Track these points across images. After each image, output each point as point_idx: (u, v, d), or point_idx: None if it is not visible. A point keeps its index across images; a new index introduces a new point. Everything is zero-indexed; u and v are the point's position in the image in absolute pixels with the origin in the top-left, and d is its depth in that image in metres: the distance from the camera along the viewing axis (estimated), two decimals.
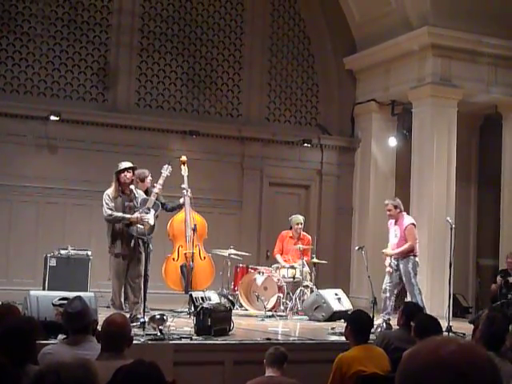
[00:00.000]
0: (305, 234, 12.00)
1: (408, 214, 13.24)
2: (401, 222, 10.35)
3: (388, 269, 10.32)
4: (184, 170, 10.91)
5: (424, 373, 1.57)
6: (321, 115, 14.94)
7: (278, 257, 11.90)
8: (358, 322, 5.65)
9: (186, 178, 10.84)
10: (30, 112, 12.54)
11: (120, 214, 8.80)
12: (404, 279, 10.12)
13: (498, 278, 12.11)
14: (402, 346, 5.45)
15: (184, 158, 11.08)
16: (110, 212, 8.83)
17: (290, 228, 11.93)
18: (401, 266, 10.13)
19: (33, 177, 12.49)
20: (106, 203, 8.88)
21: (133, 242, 8.81)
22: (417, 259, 10.25)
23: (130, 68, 13.55)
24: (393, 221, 10.43)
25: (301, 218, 11.89)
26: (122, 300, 8.98)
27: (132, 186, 8.92)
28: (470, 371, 1.55)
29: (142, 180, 10.27)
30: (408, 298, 10.17)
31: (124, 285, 8.94)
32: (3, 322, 4.41)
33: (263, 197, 14.30)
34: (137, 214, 8.76)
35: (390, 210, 10.38)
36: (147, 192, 10.47)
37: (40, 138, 12.68)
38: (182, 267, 10.67)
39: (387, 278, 10.23)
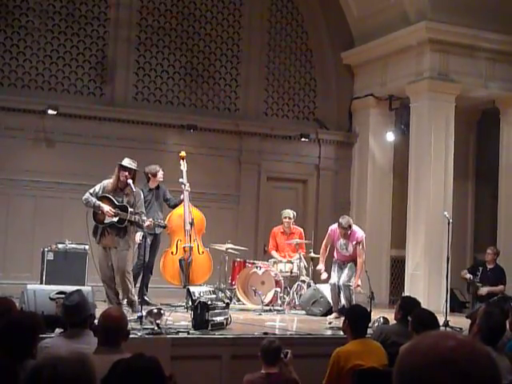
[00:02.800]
0: (295, 227, 11.98)
1: (406, 208, 13.32)
2: (353, 234, 10.02)
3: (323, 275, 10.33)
4: (183, 165, 10.99)
5: (423, 369, 1.55)
6: (318, 110, 14.92)
7: (274, 253, 11.88)
8: (356, 317, 5.66)
9: (184, 173, 10.93)
10: (27, 106, 12.50)
11: (94, 200, 8.78)
12: (343, 280, 10.00)
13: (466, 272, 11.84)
14: (399, 341, 5.46)
15: (183, 153, 11.15)
16: (86, 196, 8.84)
17: (282, 223, 11.92)
18: (346, 269, 10.05)
19: (30, 171, 12.46)
20: (94, 188, 8.90)
21: (111, 234, 8.79)
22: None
23: (128, 62, 13.51)
24: (336, 229, 10.11)
25: (290, 212, 11.84)
26: (114, 292, 8.87)
27: (130, 181, 8.90)
28: (470, 368, 1.54)
29: (154, 175, 10.52)
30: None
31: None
32: (3, 317, 4.41)
33: (261, 191, 14.28)
34: (108, 208, 8.75)
35: (346, 234, 9.96)
36: (158, 187, 10.58)
37: (37, 132, 12.65)
38: (180, 261, 10.70)
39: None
